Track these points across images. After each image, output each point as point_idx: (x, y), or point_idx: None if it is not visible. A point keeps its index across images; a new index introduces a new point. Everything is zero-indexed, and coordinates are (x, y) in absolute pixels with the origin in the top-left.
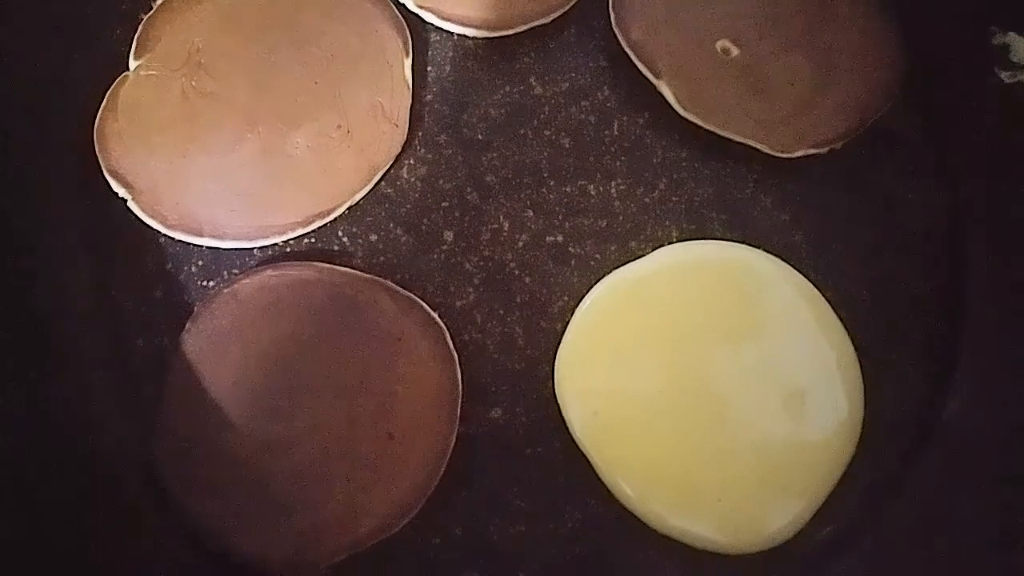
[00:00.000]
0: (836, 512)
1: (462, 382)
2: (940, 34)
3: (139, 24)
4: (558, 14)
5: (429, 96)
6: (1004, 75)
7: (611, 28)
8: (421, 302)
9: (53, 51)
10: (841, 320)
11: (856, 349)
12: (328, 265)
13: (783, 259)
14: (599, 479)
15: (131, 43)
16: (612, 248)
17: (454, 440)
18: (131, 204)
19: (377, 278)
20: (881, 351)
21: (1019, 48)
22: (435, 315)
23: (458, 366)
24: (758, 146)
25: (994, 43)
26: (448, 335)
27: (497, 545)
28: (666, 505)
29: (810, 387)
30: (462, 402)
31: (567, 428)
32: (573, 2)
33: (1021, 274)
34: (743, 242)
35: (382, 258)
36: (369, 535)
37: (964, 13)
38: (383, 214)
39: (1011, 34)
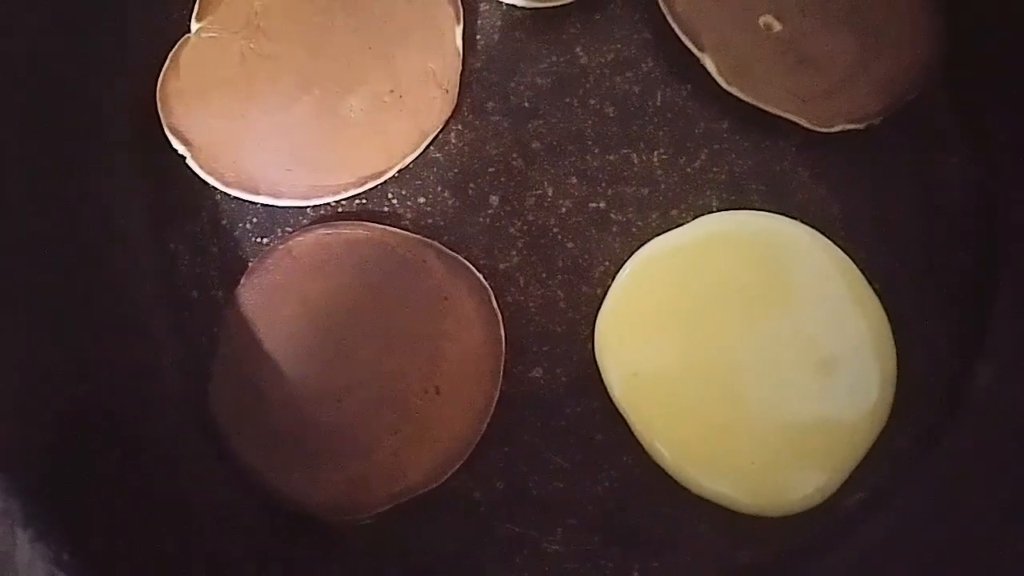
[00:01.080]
0: (866, 479)
1: (505, 342)
2: (982, 13)
3: None
4: None
5: (478, 64)
6: None
7: (655, 2)
8: (467, 263)
9: (119, 12)
10: (875, 291)
11: (889, 320)
12: (379, 225)
13: (819, 230)
14: (635, 439)
15: (193, 6)
16: (653, 216)
17: (497, 397)
18: (190, 161)
19: (425, 239)
20: (914, 322)
21: None
22: (480, 276)
23: (502, 326)
24: (798, 120)
25: None
26: (493, 296)
27: (536, 500)
28: (700, 467)
29: (843, 357)
30: (504, 361)
31: (605, 389)
32: None
33: None
34: (781, 213)
35: (430, 220)
36: (414, 486)
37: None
38: (432, 177)
39: None
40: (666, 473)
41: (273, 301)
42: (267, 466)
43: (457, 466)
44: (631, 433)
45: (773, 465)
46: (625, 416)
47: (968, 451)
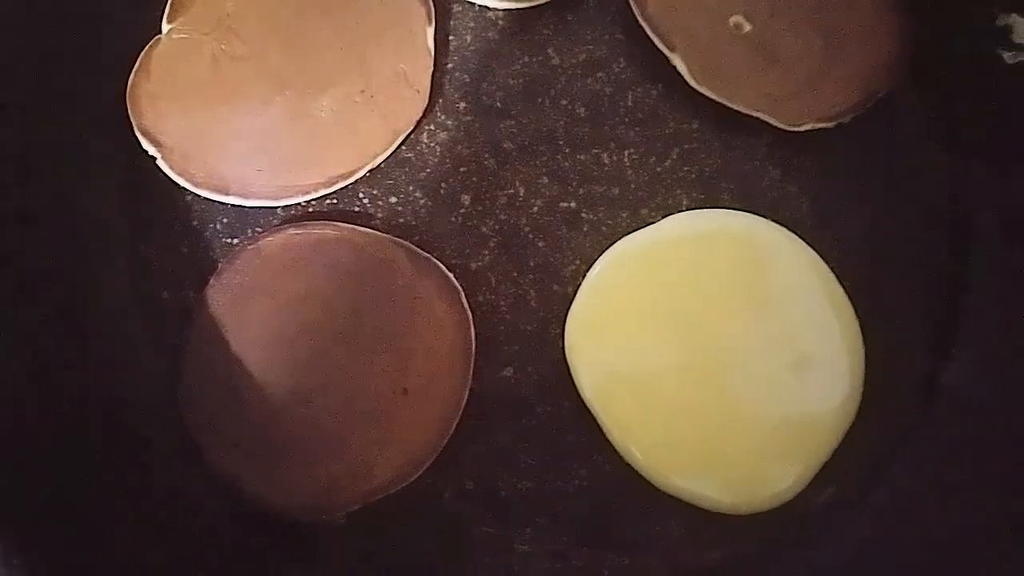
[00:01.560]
0: (837, 475)
1: (476, 341)
2: (946, 13)
3: None
4: None
5: (450, 64)
6: (1007, 55)
7: (627, 2)
8: (438, 263)
9: (89, 13)
10: (845, 289)
11: (859, 317)
12: (349, 225)
13: (790, 229)
14: (607, 439)
15: (164, 7)
16: (624, 215)
17: (467, 397)
18: (160, 162)
19: (396, 239)
20: (884, 320)
21: (1021, 29)
22: (451, 276)
23: (472, 326)
24: (768, 119)
25: (997, 24)
26: (463, 296)
27: (507, 500)
28: (671, 465)
29: (814, 354)
30: (475, 361)
31: (576, 389)
32: None
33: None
34: (751, 212)
35: (401, 220)
36: (384, 486)
37: None
38: (403, 177)
39: (1013, 15)
40: (637, 472)
41: (243, 301)
42: (237, 466)
43: (427, 466)
44: (602, 432)
45: (745, 462)
46: (596, 415)
47: (938, 448)
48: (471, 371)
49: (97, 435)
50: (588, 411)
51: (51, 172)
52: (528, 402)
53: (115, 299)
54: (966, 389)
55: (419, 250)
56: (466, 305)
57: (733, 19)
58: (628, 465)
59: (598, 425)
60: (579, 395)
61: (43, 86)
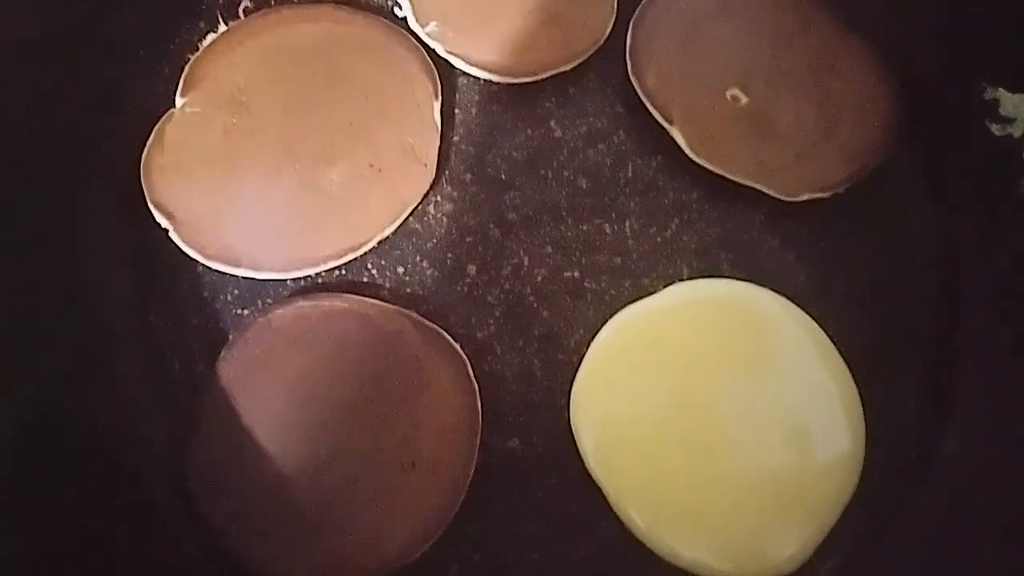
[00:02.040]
0: (839, 544)
1: (482, 412)
2: (936, 86)
3: (186, 64)
4: (578, 62)
5: (456, 137)
6: (994, 127)
7: (628, 76)
8: (444, 333)
9: (107, 88)
10: (843, 356)
11: (858, 384)
12: (357, 296)
13: (788, 297)
14: (612, 509)
15: (178, 82)
16: (626, 284)
17: (473, 469)
18: (172, 234)
19: (403, 310)
20: (882, 386)
21: (1007, 103)
22: (457, 346)
23: (478, 397)
24: (765, 190)
25: (984, 98)
26: (469, 366)
27: (513, 571)
28: (676, 535)
29: (814, 421)
30: (482, 432)
31: (582, 458)
32: (592, 51)
33: (1017, 310)
34: (750, 280)
35: (408, 290)
36: (391, 560)
37: (957, 68)
38: (410, 248)
39: (1000, 89)
40: (642, 543)
41: (253, 374)
42: (244, 539)
43: (434, 539)
44: (607, 502)
45: (749, 531)
46: (600, 484)
47: (939, 514)
48: (478, 443)
49: (104, 504)
50: (594, 481)
51: (64, 242)
52: (534, 473)
53: (126, 370)
54: (964, 455)
55: (426, 321)
56: (472, 377)
57: (730, 92)
58: (634, 536)
59: (604, 495)
60: (585, 465)
61: (58, 158)
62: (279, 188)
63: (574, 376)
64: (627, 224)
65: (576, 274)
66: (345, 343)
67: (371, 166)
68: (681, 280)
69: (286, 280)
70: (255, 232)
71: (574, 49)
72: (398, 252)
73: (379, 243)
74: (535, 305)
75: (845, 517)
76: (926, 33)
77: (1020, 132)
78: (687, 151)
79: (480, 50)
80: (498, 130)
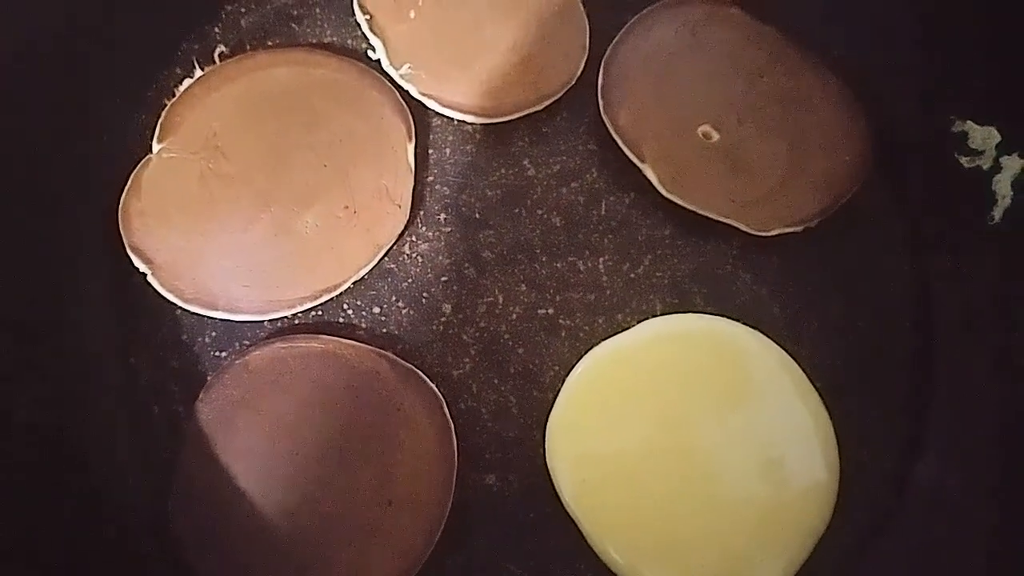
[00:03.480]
0: (816, 573)
1: (458, 450)
2: (905, 120)
3: (163, 110)
4: (550, 102)
5: (430, 177)
6: (964, 160)
7: (599, 114)
8: (420, 373)
9: (84, 135)
10: (816, 389)
11: (831, 416)
12: (334, 338)
13: (761, 331)
14: (589, 544)
15: (155, 128)
16: (600, 320)
17: (450, 507)
18: (151, 279)
19: (379, 350)
20: (856, 418)
21: (976, 136)
22: (433, 385)
23: (454, 436)
24: (737, 225)
25: (953, 130)
26: (445, 405)
27: None
28: (654, 570)
29: (789, 453)
30: (458, 470)
31: (558, 494)
32: (564, 91)
33: (987, 342)
34: (723, 315)
35: (384, 330)
36: None
37: (927, 102)
38: (386, 288)
39: (969, 122)
40: None
41: (230, 416)
42: None
43: None
44: (585, 538)
45: (726, 564)
46: (576, 520)
47: (913, 543)
48: (454, 481)
49: (84, 546)
50: (570, 516)
51: (44, 286)
52: (511, 509)
53: (105, 413)
54: (937, 483)
55: (402, 361)
56: (448, 415)
57: (701, 129)
58: (611, 571)
59: (581, 531)
60: (561, 500)
61: (36, 203)
62: (255, 232)
63: (549, 412)
64: (600, 261)
65: (550, 311)
66: (322, 384)
67: (346, 208)
68: (655, 316)
69: (263, 322)
70: (232, 275)
71: (547, 89)
72: (374, 292)
73: (355, 283)
74: (510, 343)
75: (820, 547)
76: (895, 67)
77: (989, 164)
78: (659, 188)
79: (453, 91)
80: (472, 170)
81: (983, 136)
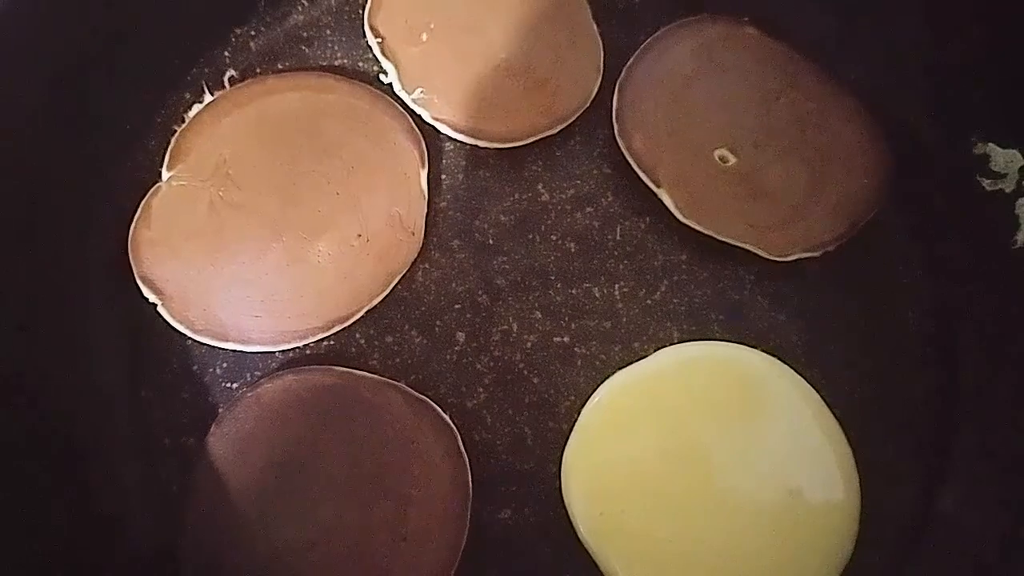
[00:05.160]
0: None
1: (473, 484)
2: (926, 143)
3: (172, 136)
4: (564, 125)
5: (443, 203)
6: (985, 183)
7: (614, 138)
8: (434, 405)
9: (94, 163)
10: (836, 416)
11: (852, 445)
12: (346, 369)
13: (780, 358)
14: None
15: (164, 154)
16: (616, 349)
17: (465, 541)
18: (160, 309)
19: (392, 381)
20: (876, 447)
21: (998, 158)
22: (447, 417)
23: (469, 469)
24: (755, 250)
25: (975, 152)
26: (459, 438)
27: None
28: None
29: (808, 482)
30: (472, 504)
31: (574, 527)
32: (578, 114)
33: (1011, 367)
34: (741, 342)
35: (397, 359)
36: None
37: (947, 123)
38: (399, 316)
39: (991, 144)
40: None
41: (242, 450)
42: None
43: None
44: (601, 572)
45: None
46: (593, 554)
47: (935, 574)
48: (468, 515)
49: None
50: (586, 550)
51: (53, 317)
52: (526, 543)
53: (116, 445)
54: (960, 514)
55: (415, 392)
56: (463, 449)
57: (718, 152)
58: None
59: (597, 564)
60: (577, 533)
61: (43, 233)
62: (266, 262)
63: (565, 444)
64: (616, 287)
65: (566, 339)
66: (334, 417)
67: (359, 236)
68: (672, 343)
69: (275, 352)
70: (243, 306)
71: (560, 113)
72: (386, 321)
73: (367, 312)
74: (525, 372)
75: None
76: (915, 88)
77: (1012, 187)
78: (675, 213)
79: (466, 116)
80: (485, 195)
81: (1006, 159)
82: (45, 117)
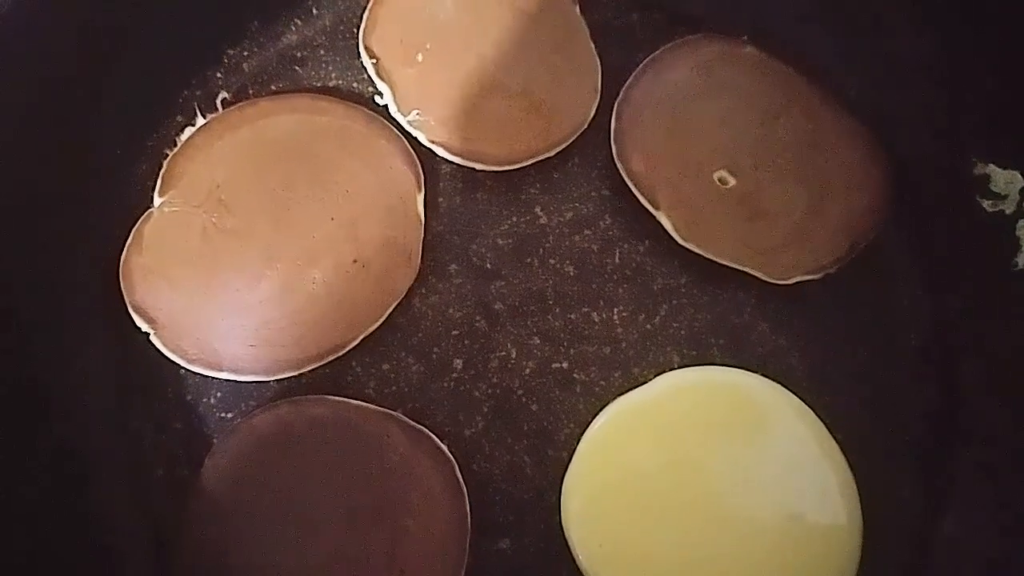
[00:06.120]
0: None
1: (471, 515)
2: (925, 163)
3: (164, 160)
4: (562, 147)
5: (440, 227)
6: (986, 204)
7: (612, 160)
8: (431, 435)
9: (82, 188)
10: (837, 440)
11: (853, 469)
12: (342, 399)
13: (781, 383)
14: None
15: (156, 179)
16: (616, 375)
17: (463, 573)
18: (153, 338)
19: (389, 411)
20: (878, 470)
21: (999, 179)
22: (444, 448)
23: (467, 501)
24: (754, 273)
25: (975, 173)
26: (457, 468)
27: None
28: None
29: (810, 507)
30: (471, 535)
31: (574, 558)
32: (576, 136)
33: (1013, 390)
34: (742, 367)
35: (394, 387)
36: None
37: (947, 144)
38: (395, 343)
39: (991, 165)
40: None
41: (237, 481)
42: None
43: None
44: None
45: None
46: None
47: None
48: (467, 547)
49: None
50: None
51: (44, 346)
52: (526, 573)
53: (109, 476)
54: (962, 538)
55: (412, 422)
56: (460, 479)
57: (717, 174)
58: None
59: None
60: (577, 564)
61: (33, 260)
62: (260, 289)
63: (565, 472)
64: (615, 312)
65: (565, 365)
66: (329, 448)
67: (354, 262)
68: (672, 369)
69: (270, 381)
70: (237, 335)
71: (558, 135)
72: (383, 348)
73: (363, 339)
74: (524, 399)
75: None
76: (915, 108)
77: (1012, 208)
78: (674, 235)
79: (463, 138)
80: (483, 218)
81: (1006, 180)
82: (33, 142)
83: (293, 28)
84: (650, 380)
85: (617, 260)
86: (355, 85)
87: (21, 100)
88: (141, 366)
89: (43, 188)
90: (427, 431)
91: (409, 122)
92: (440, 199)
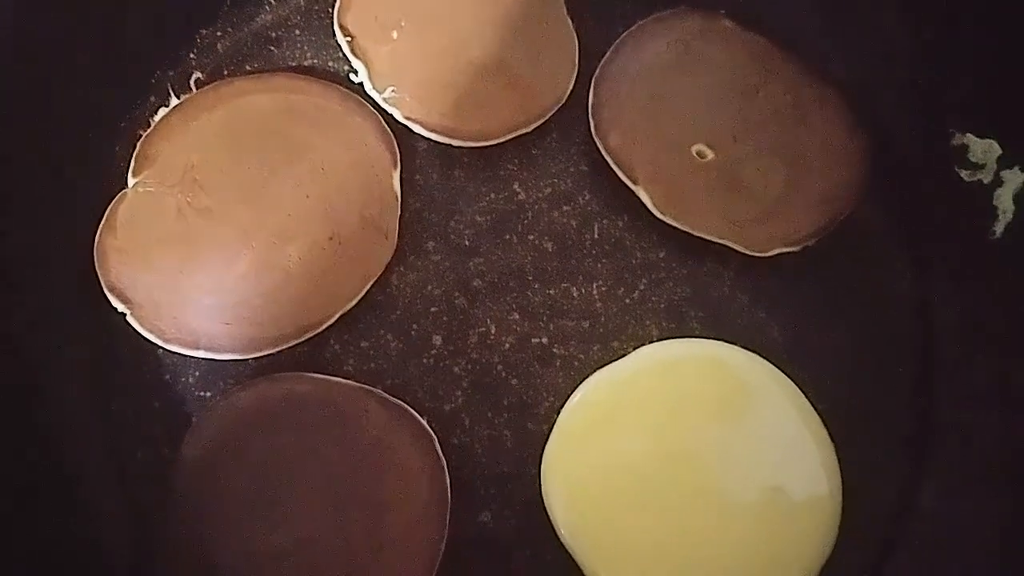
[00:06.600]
0: None
1: (451, 488)
2: (904, 134)
3: (138, 141)
4: (540, 123)
5: (418, 204)
6: (964, 174)
7: (591, 135)
8: (411, 410)
9: (54, 170)
10: (818, 412)
11: (833, 440)
12: (320, 376)
13: (761, 355)
14: None
15: (130, 161)
16: (595, 348)
17: (444, 546)
18: (130, 318)
19: (367, 387)
20: (858, 442)
21: (976, 149)
22: (424, 423)
23: (447, 475)
24: (733, 246)
25: (953, 144)
26: (437, 443)
27: None
28: None
29: (790, 479)
30: (451, 508)
31: (555, 530)
32: (554, 111)
33: (993, 360)
34: (721, 339)
35: (373, 364)
36: None
37: (926, 115)
38: (373, 320)
39: (968, 135)
40: None
41: (217, 460)
42: None
43: None
44: (583, 574)
45: None
46: (575, 557)
47: (917, 569)
48: (447, 521)
49: None
50: (568, 552)
51: (19, 329)
52: (507, 547)
53: (88, 458)
54: (941, 510)
55: (391, 397)
56: (440, 453)
57: (696, 148)
58: None
59: (578, 566)
60: (558, 536)
61: (7, 242)
62: (237, 268)
63: (545, 445)
64: (594, 286)
65: (544, 340)
66: (309, 425)
67: (331, 240)
68: (651, 342)
69: (248, 359)
70: (214, 314)
71: (535, 110)
72: (362, 325)
73: (341, 317)
74: (503, 374)
75: (824, 574)
76: (893, 80)
77: (990, 178)
78: (653, 210)
79: (439, 114)
80: (460, 195)
81: (983, 149)
82: (4, 125)
83: (267, 7)
84: (629, 353)
85: (596, 235)
86: (330, 64)
87: None
88: (118, 347)
89: (16, 171)
90: (407, 406)
91: (385, 99)
92: (417, 176)
